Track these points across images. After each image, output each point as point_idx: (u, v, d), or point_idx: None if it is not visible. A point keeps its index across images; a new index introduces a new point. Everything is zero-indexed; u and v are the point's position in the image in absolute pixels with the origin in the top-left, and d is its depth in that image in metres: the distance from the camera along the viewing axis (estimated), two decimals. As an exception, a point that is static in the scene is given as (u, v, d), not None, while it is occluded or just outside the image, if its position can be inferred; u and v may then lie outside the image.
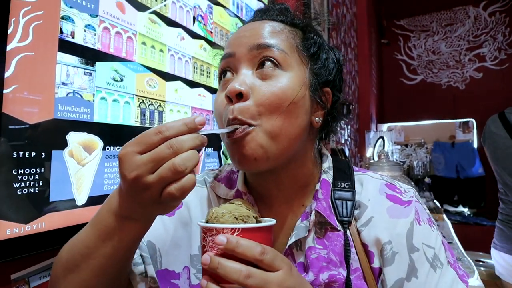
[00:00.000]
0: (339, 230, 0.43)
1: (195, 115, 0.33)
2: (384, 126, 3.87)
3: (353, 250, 0.42)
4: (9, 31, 0.54)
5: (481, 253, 2.34)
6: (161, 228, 0.48)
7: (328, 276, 0.40)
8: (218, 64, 0.48)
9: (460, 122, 3.66)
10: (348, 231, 0.42)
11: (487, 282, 1.26)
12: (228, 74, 0.43)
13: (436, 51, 4.13)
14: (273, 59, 0.40)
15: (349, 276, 0.40)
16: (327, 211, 0.43)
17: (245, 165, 0.40)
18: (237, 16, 1.21)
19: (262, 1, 1.41)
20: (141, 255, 0.46)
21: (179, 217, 0.50)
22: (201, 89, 1.00)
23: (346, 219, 0.42)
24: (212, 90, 1.05)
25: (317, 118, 0.45)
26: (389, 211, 0.43)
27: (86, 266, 0.35)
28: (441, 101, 3.94)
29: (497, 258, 1.46)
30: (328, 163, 0.49)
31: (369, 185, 0.46)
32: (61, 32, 0.61)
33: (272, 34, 0.42)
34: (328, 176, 0.47)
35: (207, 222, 0.35)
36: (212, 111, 1.05)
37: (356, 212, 0.44)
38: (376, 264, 0.41)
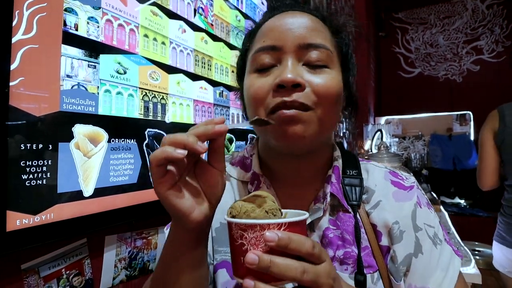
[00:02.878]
0: (350, 212, 0.46)
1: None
2: (382, 119, 3.89)
3: (362, 230, 0.46)
4: (13, 24, 0.54)
5: (476, 243, 2.39)
6: None
7: (343, 253, 0.44)
8: (252, 47, 0.48)
9: (457, 114, 3.68)
10: (357, 213, 0.46)
11: (483, 271, 1.29)
12: (268, 63, 0.44)
13: (434, 43, 4.12)
14: (322, 59, 0.43)
15: (360, 253, 0.43)
16: (340, 194, 0.47)
17: (294, 141, 0.41)
18: (237, 9, 1.21)
19: (261, -7, 1.41)
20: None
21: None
22: (203, 82, 1.00)
23: (355, 203, 0.46)
24: (213, 83, 1.05)
25: (340, 114, 0.49)
26: (394, 195, 0.48)
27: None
28: (439, 94, 3.96)
29: (503, 252, 1.38)
30: (337, 152, 0.52)
31: (375, 173, 0.51)
32: (65, 24, 0.61)
33: (318, 32, 0.44)
34: (339, 163, 0.50)
35: (233, 217, 0.33)
36: (214, 104, 1.05)
37: (364, 196, 0.48)
38: (384, 242, 0.45)
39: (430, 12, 4.14)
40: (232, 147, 1.15)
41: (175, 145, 0.31)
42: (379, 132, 2.35)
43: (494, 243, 1.45)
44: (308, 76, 0.41)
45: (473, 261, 1.30)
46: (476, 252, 2.26)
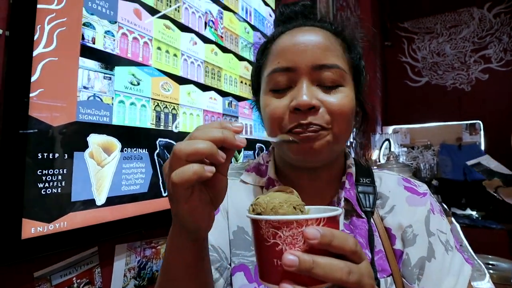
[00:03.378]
0: (363, 218, 0.47)
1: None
2: (390, 129, 3.86)
3: (376, 234, 0.46)
4: (35, 38, 0.56)
5: (490, 256, 2.31)
6: (215, 231, 0.49)
7: None
8: (265, 65, 0.49)
9: (466, 124, 3.64)
10: (371, 219, 0.47)
11: (498, 286, 1.24)
12: (283, 84, 0.45)
13: (441, 53, 4.12)
14: (335, 79, 0.44)
15: (374, 258, 0.44)
16: (354, 200, 0.48)
17: (310, 156, 0.43)
18: (246, 21, 1.24)
19: (269, 6, 1.44)
20: (217, 268, 0.47)
21: (223, 208, 0.52)
22: (213, 93, 1.02)
23: (369, 209, 0.47)
24: (223, 94, 1.07)
25: (354, 123, 0.50)
26: (408, 200, 0.49)
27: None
28: (447, 103, 3.92)
29: None
30: (351, 160, 0.54)
31: (388, 179, 0.52)
32: (83, 38, 0.64)
33: (331, 52, 0.45)
34: (352, 170, 0.52)
35: (258, 214, 0.29)
36: (223, 114, 1.07)
37: (378, 202, 0.50)
38: (397, 246, 0.46)
39: (436, 22, 4.15)
40: (241, 156, 1.16)
41: (200, 156, 0.28)
42: (387, 142, 2.34)
43: None
44: (322, 96, 0.43)
45: (487, 275, 1.26)
46: (490, 266, 2.19)
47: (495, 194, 1.56)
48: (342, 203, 0.47)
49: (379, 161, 2.26)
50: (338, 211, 0.29)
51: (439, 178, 3.24)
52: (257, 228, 0.29)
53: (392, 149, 2.30)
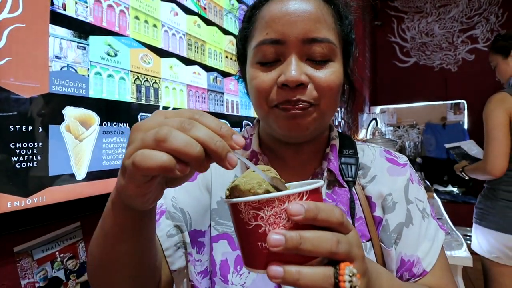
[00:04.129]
0: (345, 187, 0.49)
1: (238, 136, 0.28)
2: (377, 109, 3.90)
3: (357, 202, 0.48)
4: (-2, 1, 0.52)
5: (468, 228, 2.44)
6: (186, 195, 0.50)
7: None
8: (252, 35, 0.46)
9: (451, 103, 3.71)
10: (353, 188, 0.48)
11: (474, 255, 1.32)
12: (271, 57, 0.43)
13: (429, 33, 4.11)
14: (326, 55, 0.43)
15: (354, 225, 0.46)
16: (337, 171, 0.49)
17: (297, 133, 0.44)
18: (231, -7, 1.19)
19: (255, -22, 1.38)
20: (176, 226, 0.48)
21: (201, 180, 0.52)
22: (196, 67, 0.99)
23: (351, 179, 0.49)
24: (207, 68, 1.04)
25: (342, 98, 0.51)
26: (389, 170, 0.51)
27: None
28: (433, 83, 3.97)
29: (499, 239, 1.32)
30: (335, 132, 0.55)
31: (370, 151, 0.54)
32: (52, 3, 0.60)
33: (322, 23, 0.43)
34: (336, 142, 0.53)
35: (236, 198, 0.27)
36: (208, 89, 1.04)
37: (360, 172, 0.51)
38: (377, 213, 0.48)
39: (426, 1, 4.11)
40: (227, 133, 1.15)
41: (177, 155, 0.23)
42: (374, 121, 2.37)
43: (483, 228, 1.41)
44: (311, 72, 0.42)
45: (465, 245, 1.33)
46: (468, 237, 2.31)
47: (461, 175, 1.61)
48: (325, 173, 0.48)
49: (366, 138, 2.29)
50: (320, 182, 0.27)
51: (423, 156, 3.34)
52: (236, 212, 0.27)
53: (373, 129, 2.34)
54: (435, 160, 3.38)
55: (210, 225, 0.49)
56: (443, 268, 0.47)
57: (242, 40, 0.51)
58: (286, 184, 0.32)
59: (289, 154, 0.51)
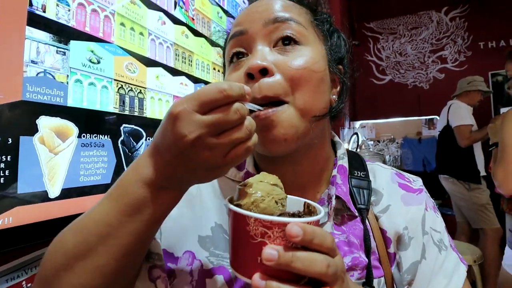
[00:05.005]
0: (356, 217, 0.42)
1: (240, 85, 0.28)
2: (357, 123, 4.01)
3: (370, 234, 0.41)
4: (-33, -2, 0.47)
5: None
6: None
7: (351, 259, 0.40)
8: (225, 45, 0.45)
9: (425, 119, 3.89)
10: (366, 219, 0.42)
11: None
12: (240, 54, 0.40)
13: (403, 52, 4.35)
14: (292, 34, 0.38)
15: (370, 263, 0.39)
16: (347, 197, 0.42)
17: (274, 148, 0.37)
18: (219, 5, 1.18)
19: (242, -8, 1.39)
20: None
21: (186, 195, 0.43)
22: (183, 78, 0.95)
23: (363, 207, 0.42)
24: (194, 79, 1.01)
25: (334, 96, 0.44)
26: (403, 198, 0.44)
27: (106, 248, 0.29)
28: (408, 99, 4.16)
29: None
30: (342, 150, 0.47)
31: (381, 175, 0.47)
32: (31, 4, 0.55)
33: (286, 8, 0.40)
34: (344, 162, 0.45)
35: (238, 205, 0.29)
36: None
37: (373, 198, 0.44)
38: (391, 249, 0.42)
39: (399, 23, 4.37)
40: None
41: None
42: (355, 136, 2.41)
43: None
44: (278, 58, 0.37)
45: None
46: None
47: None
48: (334, 202, 0.41)
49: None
50: (322, 213, 0.29)
51: (402, 169, 3.44)
52: (242, 222, 0.27)
53: (360, 143, 2.39)
54: (413, 173, 3.48)
55: (191, 253, 0.41)
56: None
57: (223, 51, 0.48)
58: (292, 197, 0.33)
59: (286, 176, 0.42)
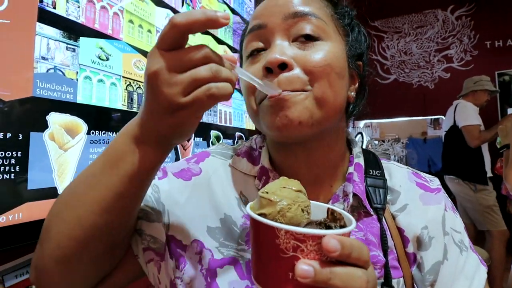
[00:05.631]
0: (372, 215, 0.41)
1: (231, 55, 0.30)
2: (361, 123, 4.00)
3: (388, 233, 0.41)
4: (-21, -7, 0.47)
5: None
6: (175, 189, 0.43)
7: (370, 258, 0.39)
8: (243, 37, 0.44)
9: (431, 119, 3.86)
10: (383, 218, 0.41)
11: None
12: (258, 47, 0.40)
13: (408, 51, 4.32)
14: (312, 30, 0.37)
15: (388, 263, 0.39)
16: (363, 195, 0.42)
17: (287, 129, 0.36)
18: (225, 3, 1.18)
19: (249, -10, 1.38)
20: (143, 209, 0.40)
21: (196, 183, 0.44)
22: (190, 76, 0.95)
23: (379, 206, 0.41)
24: (201, 78, 1.01)
25: (352, 93, 0.43)
26: (422, 198, 0.43)
27: (86, 199, 0.31)
28: (413, 99, 4.13)
29: None
30: (358, 148, 0.47)
31: (398, 173, 0.46)
32: (41, 0, 0.55)
33: (307, 1, 0.39)
34: (361, 161, 0.45)
35: (262, 215, 0.26)
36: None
37: (389, 197, 0.43)
38: (410, 249, 0.41)
39: (404, 22, 4.34)
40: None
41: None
42: (359, 135, 2.40)
43: None
44: (296, 51, 0.37)
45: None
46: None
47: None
48: (351, 199, 0.41)
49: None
50: (354, 223, 0.27)
51: (407, 170, 3.41)
52: (269, 234, 0.25)
53: (365, 142, 2.38)
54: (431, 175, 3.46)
55: (199, 242, 0.40)
56: None
57: (240, 45, 0.48)
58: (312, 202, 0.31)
59: (299, 166, 0.43)
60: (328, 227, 0.28)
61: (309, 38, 0.37)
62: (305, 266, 0.23)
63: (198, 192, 0.44)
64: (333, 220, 0.30)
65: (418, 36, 4.20)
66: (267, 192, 0.28)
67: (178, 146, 0.88)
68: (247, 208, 0.28)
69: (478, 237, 2.29)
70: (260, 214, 0.26)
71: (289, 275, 0.24)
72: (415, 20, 4.24)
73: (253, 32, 0.40)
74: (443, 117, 3.74)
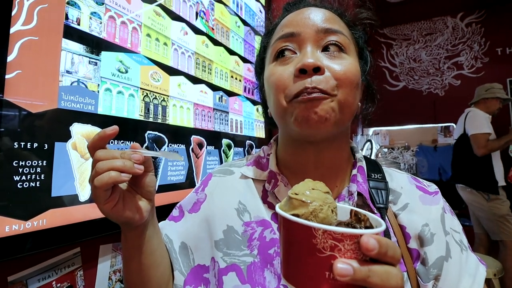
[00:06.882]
0: (376, 213, 0.45)
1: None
2: (370, 130, 3.97)
3: (390, 230, 0.44)
4: (12, 13, 0.50)
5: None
6: (189, 226, 0.50)
7: None
8: (269, 41, 0.49)
9: (441, 126, 3.81)
10: (385, 217, 0.44)
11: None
12: (288, 51, 0.45)
13: (417, 59, 4.29)
14: (340, 44, 0.43)
15: None
16: (367, 195, 0.45)
17: (316, 123, 0.40)
18: (237, 15, 1.21)
19: (260, 1, 1.42)
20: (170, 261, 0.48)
21: (203, 210, 0.50)
22: (203, 86, 0.98)
23: (382, 206, 0.44)
24: (214, 87, 1.03)
25: (359, 103, 0.48)
26: (421, 199, 0.47)
27: (125, 265, 0.45)
28: (422, 106, 4.09)
29: None
30: (360, 154, 0.51)
31: (398, 177, 0.50)
32: (67, 18, 0.58)
33: (336, 21, 0.45)
34: (363, 164, 0.49)
35: (296, 215, 0.27)
36: (214, 108, 1.03)
37: (390, 198, 0.47)
38: (412, 245, 0.44)
39: (413, 29, 4.33)
40: (231, 153, 1.12)
41: (114, 169, 0.34)
42: (368, 143, 2.39)
43: None
44: (327, 61, 0.42)
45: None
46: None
47: None
48: (355, 197, 0.44)
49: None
50: (384, 225, 0.27)
51: (417, 177, 3.36)
52: (306, 234, 0.25)
53: (374, 150, 2.36)
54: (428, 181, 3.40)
55: (213, 258, 0.46)
56: None
57: (260, 52, 0.53)
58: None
59: (309, 166, 0.47)
60: (354, 228, 0.28)
61: (336, 48, 0.43)
62: (344, 265, 0.24)
63: (205, 214, 0.50)
64: (357, 221, 0.31)
65: (427, 43, 4.17)
66: (296, 194, 0.29)
67: (191, 154, 0.90)
68: (277, 209, 0.29)
69: (492, 247, 2.24)
70: (292, 215, 0.27)
71: (326, 274, 0.25)
72: (424, 27, 4.23)
73: (285, 38, 0.45)
74: (454, 124, 3.69)
